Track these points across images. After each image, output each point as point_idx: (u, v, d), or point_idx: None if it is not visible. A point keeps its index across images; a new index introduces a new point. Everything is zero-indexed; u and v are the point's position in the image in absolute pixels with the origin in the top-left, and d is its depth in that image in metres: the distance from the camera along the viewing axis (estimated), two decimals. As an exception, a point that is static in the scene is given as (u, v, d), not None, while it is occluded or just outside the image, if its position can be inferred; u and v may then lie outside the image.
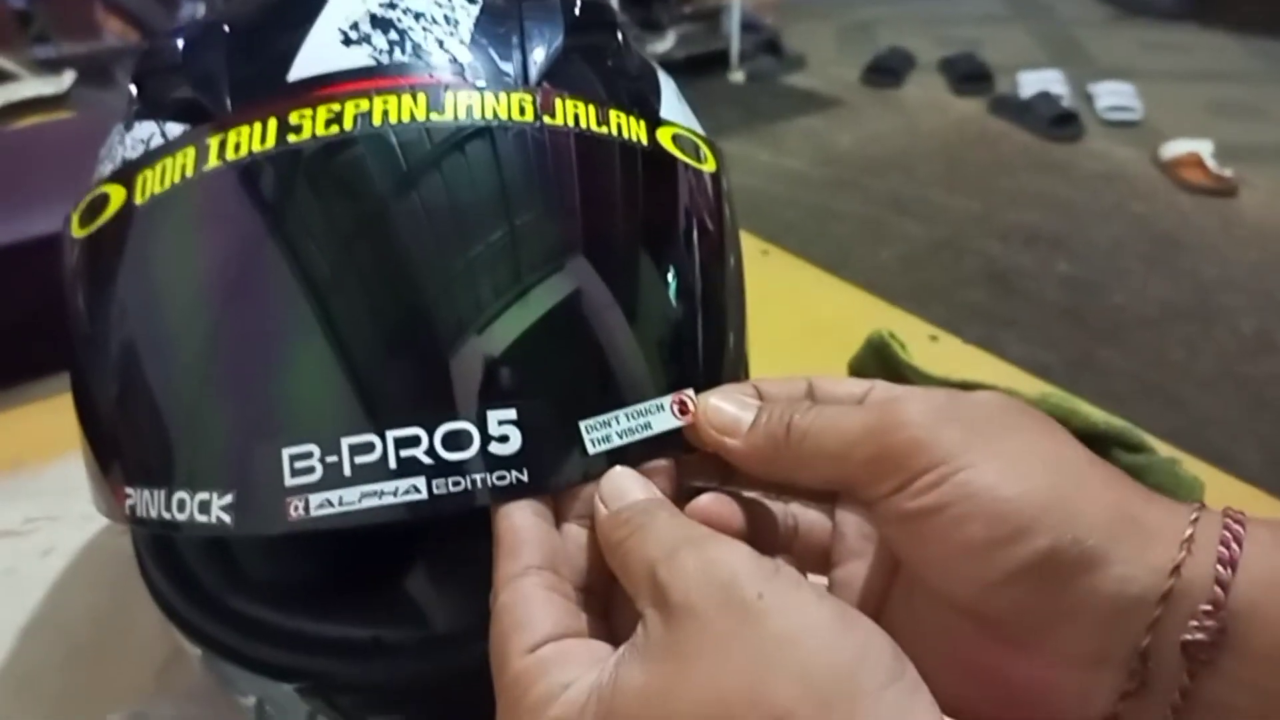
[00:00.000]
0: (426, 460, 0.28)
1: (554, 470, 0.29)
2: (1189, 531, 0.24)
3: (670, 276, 0.34)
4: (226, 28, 0.35)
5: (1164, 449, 0.55)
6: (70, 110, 1.49)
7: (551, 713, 0.24)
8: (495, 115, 0.32)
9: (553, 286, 0.31)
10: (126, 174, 0.33)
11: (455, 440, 0.28)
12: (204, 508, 0.29)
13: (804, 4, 3.89)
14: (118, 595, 0.54)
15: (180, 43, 0.35)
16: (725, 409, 0.30)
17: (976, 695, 0.27)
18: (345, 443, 0.28)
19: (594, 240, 0.32)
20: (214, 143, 0.31)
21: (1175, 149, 2.57)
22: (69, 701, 0.48)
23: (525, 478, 0.28)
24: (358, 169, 0.31)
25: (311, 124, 0.31)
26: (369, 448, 0.28)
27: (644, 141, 0.35)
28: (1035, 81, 3.02)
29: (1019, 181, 2.58)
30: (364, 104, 0.31)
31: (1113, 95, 2.94)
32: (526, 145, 0.32)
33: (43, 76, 1.56)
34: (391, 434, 0.28)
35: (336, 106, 0.31)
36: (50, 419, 0.69)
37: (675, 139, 0.36)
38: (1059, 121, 2.79)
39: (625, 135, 0.34)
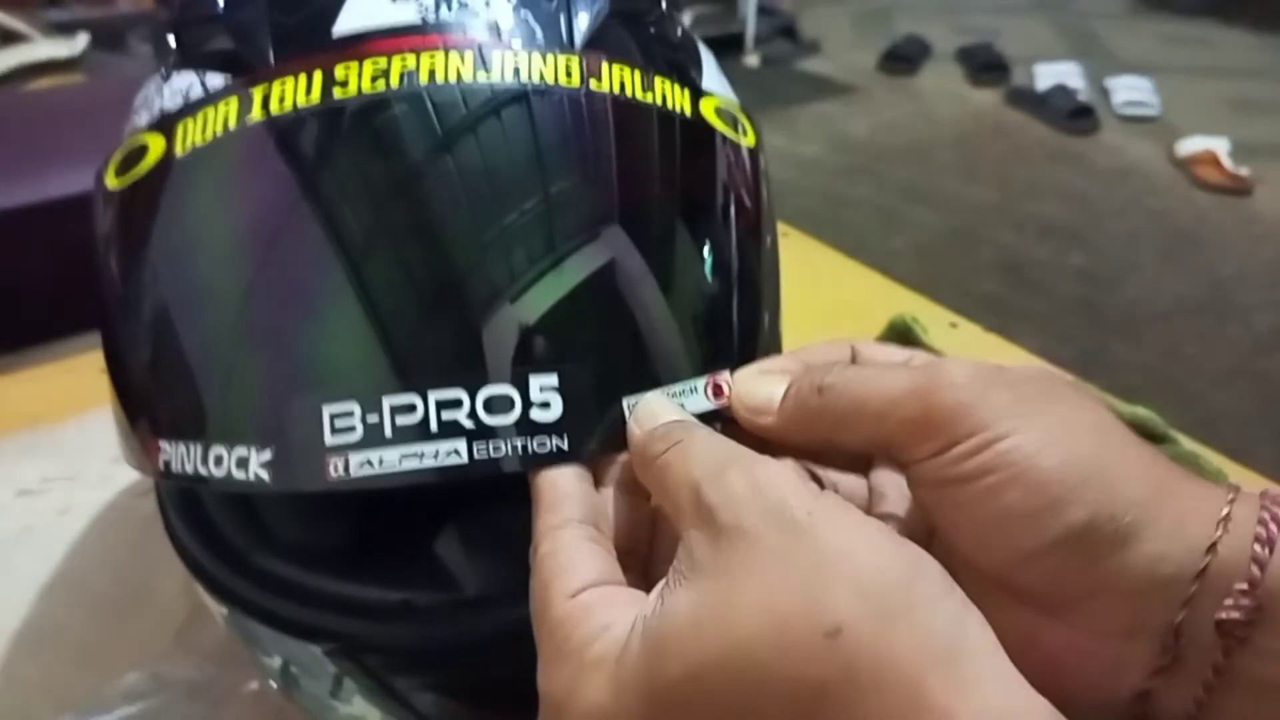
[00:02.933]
0: (468, 424, 0.28)
1: (593, 439, 0.29)
2: (1226, 510, 0.24)
3: (712, 252, 0.34)
4: None
5: (1185, 442, 0.54)
6: (83, 74, 1.48)
7: (594, 651, 0.24)
8: (541, 77, 0.31)
9: (600, 252, 0.30)
10: (166, 124, 0.33)
11: (497, 404, 0.28)
12: (241, 464, 0.29)
13: (822, -11, 3.87)
14: (136, 555, 0.54)
15: None
16: (757, 392, 0.29)
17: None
18: (387, 402, 0.28)
19: (637, 209, 0.32)
20: (257, 95, 0.31)
21: (1191, 146, 2.55)
22: (87, 659, 0.48)
23: (565, 445, 0.28)
24: (404, 126, 0.30)
25: (357, 79, 0.30)
26: (410, 409, 0.28)
27: (687, 112, 0.34)
28: (1052, 74, 2.99)
29: (1035, 173, 2.57)
30: (410, 60, 0.31)
31: (1130, 90, 2.92)
32: (578, 108, 0.32)
33: (56, 39, 1.55)
34: (434, 395, 0.28)
35: (383, 62, 0.31)
36: (67, 379, 0.69)
37: (718, 111, 0.36)
38: (1075, 115, 2.77)
39: (669, 104, 0.34)
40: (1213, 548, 0.24)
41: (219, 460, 0.29)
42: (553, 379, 0.28)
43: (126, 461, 0.34)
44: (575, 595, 0.25)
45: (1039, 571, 0.25)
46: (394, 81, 0.30)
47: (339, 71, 0.30)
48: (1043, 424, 0.25)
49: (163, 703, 0.44)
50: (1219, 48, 3.39)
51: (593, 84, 0.32)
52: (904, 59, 3.25)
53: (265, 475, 0.28)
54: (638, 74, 0.33)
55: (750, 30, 3.33)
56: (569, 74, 0.32)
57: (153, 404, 0.32)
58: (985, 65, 3.14)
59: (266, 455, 0.28)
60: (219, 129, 0.31)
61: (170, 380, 0.32)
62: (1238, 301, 2.00)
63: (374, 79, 0.30)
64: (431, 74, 0.30)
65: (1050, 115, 2.81)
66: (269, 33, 0.32)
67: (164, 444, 0.31)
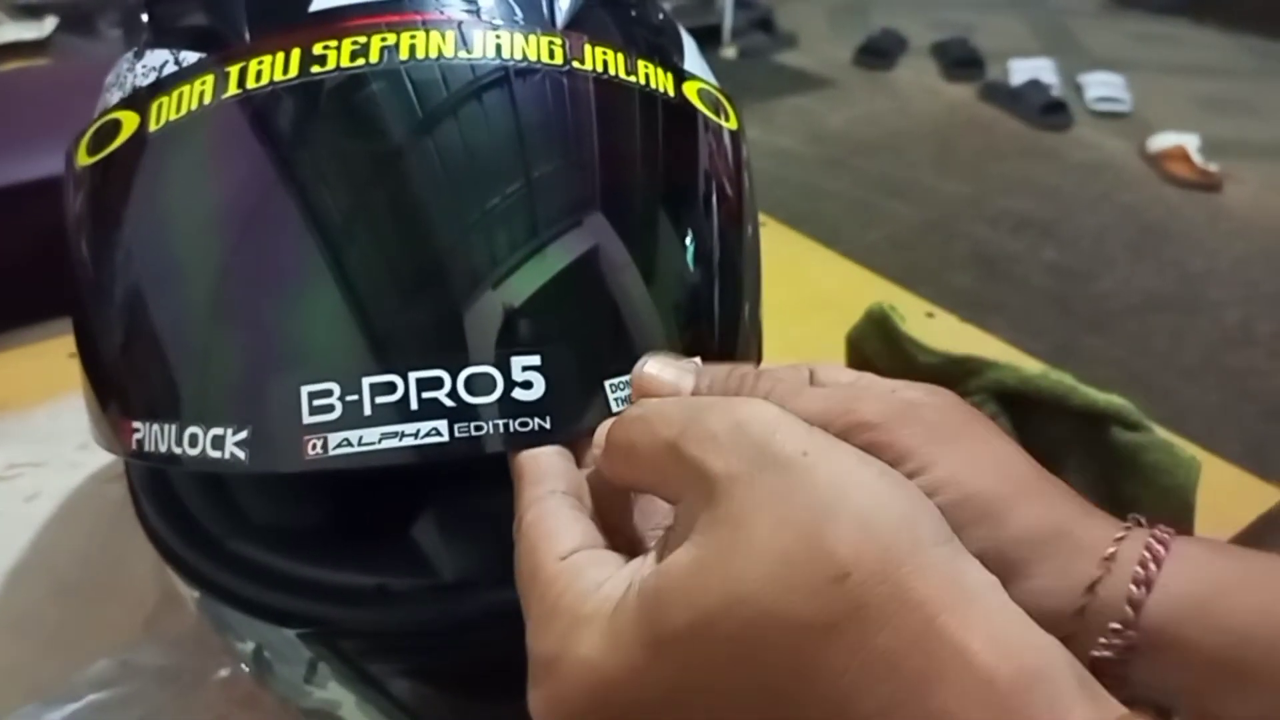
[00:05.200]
0: (449, 403, 0.27)
1: (576, 419, 0.29)
2: (1111, 550, 0.24)
3: (694, 237, 0.33)
4: None
5: (1160, 431, 0.55)
6: (50, 57, 1.46)
7: (588, 607, 0.23)
8: (524, 56, 0.31)
9: (584, 235, 0.30)
10: (139, 100, 0.32)
11: (479, 384, 0.28)
12: (217, 443, 0.28)
13: (799, -18, 3.87)
14: (105, 541, 0.53)
15: None
16: (663, 375, 0.28)
17: None
18: (366, 382, 0.27)
19: (621, 192, 0.32)
20: (234, 71, 0.30)
21: (1162, 142, 2.58)
22: (56, 646, 0.47)
23: (547, 424, 0.28)
24: (384, 104, 0.30)
25: (336, 56, 0.30)
26: (390, 388, 0.27)
27: (670, 93, 0.34)
28: (1026, 69, 3.01)
29: (1009, 167, 2.59)
30: (390, 38, 0.30)
31: (1102, 86, 2.95)
32: (560, 88, 0.31)
33: (23, 22, 1.52)
34: (414, 375, 0.27)
35: (362, 39, 0.30)
36: (34, 364, 0.68)
37: (700, 93, 0.35)
38: (1048, 110, 2.79)
39: (652, 85, 0.33)
40: (1092, 588, 0.24)
41: (194, 440, 0.29)
42: (535, 360, 0.28)
43: (97, 443, 0.34)
44: (565, 558, 0.25)
45: None
46: (373, 58, 0.30)
47: (317, 48, 0.30)
48: (949, 460, 0.25)
49: (132, 689, 0.43)
50: (1190, 46, 3.43)
51: (575, 64, 0.32)
52: (880, 53, 3.26)
53: (242, 454, 0.28)
54: (620, 56, 0.33)
55: (727, 22, 3.33)
56: (551, 54, 0.31)
57: (125, 385, 0.32)
58: (960, 60, 3.16)
59: (243, 434, 0.28)
60: (193, 104, 0.31)
61: (144, 360, 0.31)
62: (1207, 296, 2.03)
63: (353, 55, 0.30)
64: (412, 51, 0.30)
65: (1024, 110, 2.83)
66: (245, 10, 0.32)
67: (137, 425, 0.30)
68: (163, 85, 0.32)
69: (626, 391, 0.29)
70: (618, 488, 0.27)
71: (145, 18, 0.35)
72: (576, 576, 0.24)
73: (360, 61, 0.30)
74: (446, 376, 0.27)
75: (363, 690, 0.34)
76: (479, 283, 0.29)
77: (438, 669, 0.34)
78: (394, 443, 0.27)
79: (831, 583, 0.20)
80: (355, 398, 0.27)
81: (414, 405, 0.27)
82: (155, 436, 0.30)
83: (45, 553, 0.52)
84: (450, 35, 0.31)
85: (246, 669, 0.37)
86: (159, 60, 0.33)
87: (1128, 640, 0.23)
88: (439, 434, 0.27)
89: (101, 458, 0.58)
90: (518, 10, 0.33)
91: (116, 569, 0.51)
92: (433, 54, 0.30)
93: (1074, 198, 2.43)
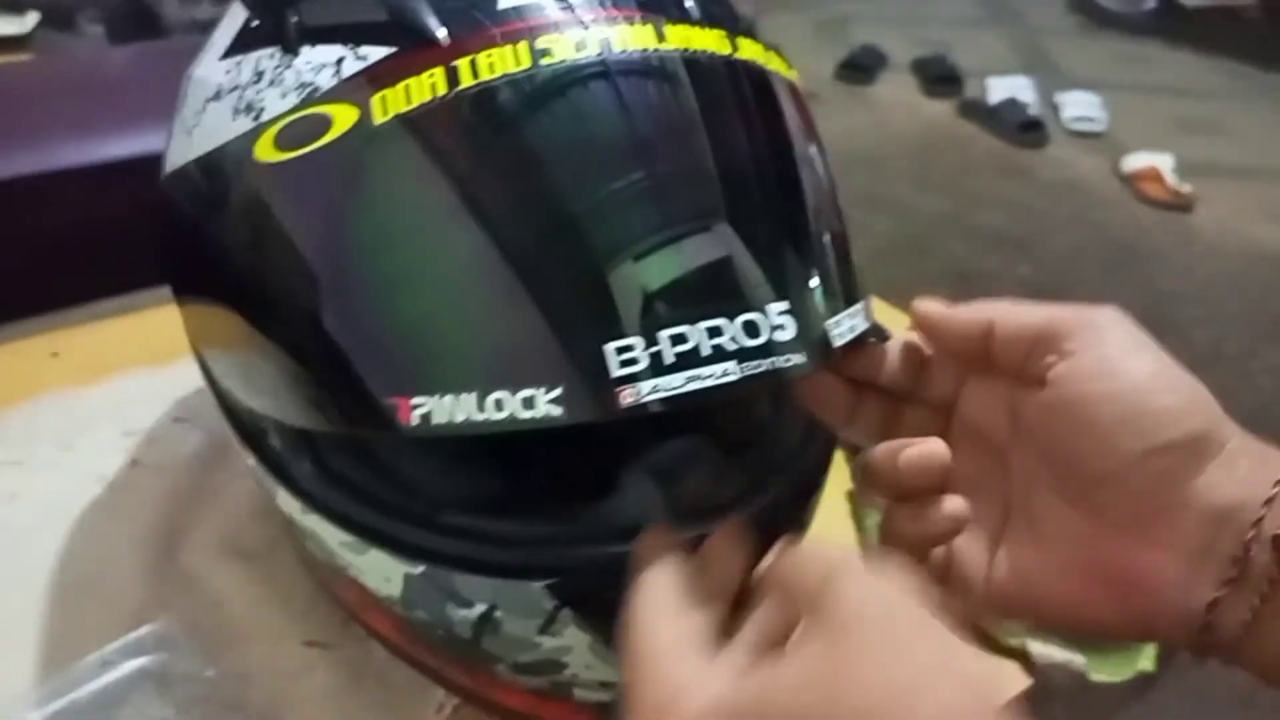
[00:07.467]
0: (731, 346, 0.32)
1: (818, 353, 0.34)
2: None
3: (833, 189, 0.40)
4: None
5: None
6: (31, 52, 1.45)
7: (692, 687, 0.27)
8: (705, 47, 0.35)
9: (811, 198, 0.37)
10: (348, 95, 0.33)
11: (751, 329, 0.32)
12: (528, 403, 0.31)
13: (782, -5, 3.90)
14: (86, 541, 0.53)
15: None
16: (933, 304, 0.38)
17: (1095, 594, 0.31)
18: (664, 335, 0.31)
19: (810, 159, 0.38)
20: (463, 64, 0.32)
21: (1136, 162, 2.62)
22: (37, 646, 0.47)
23: (803, 359, 0.33)
24: (626, 89, 0.34)
25: (560, 49, 0.33)
26: (683, 339, 0.31)
27: (785, 73, 0.40)
28: (1004, 87, 3.05)
29: (986, 184, 2.62)
30: (601, 31, 0.33)
31: (1078, 105, 2.99)
32: (737, 74, 0.37)
33: (5, 16, 1.51)
34: (703, 325, 0.31)
35: (579, 33, 0.33)
36: (15, 364, 0.68)
37: (767, 53, 0.40)
38: (1025, 128, 2.83)
39: (778, 69, 0.39)
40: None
41: (500, 404, 0.31)
42: (785, 304, 0.33)
43: (341, 427, 0.35)
44: (673, 631, 0.29)
45: (1133, 483, 0.30)
46: (594, 50, 0.33)
47: (540, 42, 0.33)
48: (1151, 353, 0.32)
49: (115, 689, 0.43)
50: (1165, 67, 3.48)
51: (739, 54, 0.37)
52: (861, 68, 3.29)
53: (558, 410, 0.31)
54: (760, 46, 0.39)
55: (710, 34, 3.34)
56: (723, 44, 0.36)
57: (401, 365, 0.34)
58: (939, 77, 3.19)
59: (557, 392, 0.31)
60: (426, 96, 0.32)
61: (429, 340, 0.34)
62: (1177, 316, 2.06)
63: (577, 48, 0.33)
64: (622, 43, 0.34)
65: (1001, 128, 2.86)
66: (428, 6, 0.34)
67: (419, 400, 0.32)
68: (379, 79, 0.33)
69: (838, 330, 0.35)
70: (735, 564, 0.32)
71: (291, 17, 0.36)
72: (683, 655, 0.28)
73: (584, 54, 0.33)
74: (726, 323, 0.32)
75: (602, 628, 0.36)
76: (744, 243, 0.33)
77: None
78: (698, 384, 0.31)
79: None
80: (657, 349, 0.31)
81: (705, 351, 0.31)
82: (449, 407, 0.32)
83: (29, 552, 0.52)
84: (649, 29, 0.34)
85: (461, 634, 0.38)
86: (331, 56, 0.35)
87: None
88: (729, 374, 0.31)
89: (83, 458, 0.58)
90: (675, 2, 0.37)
91: (98, 568, 0.51)
92: (637, 45, 0.34)
93: (1049, 215, 2.47)
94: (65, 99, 1.01)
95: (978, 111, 2.97)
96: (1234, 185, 2.62)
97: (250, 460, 0.42)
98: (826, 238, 0.37)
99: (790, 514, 0.41)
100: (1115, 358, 0.32)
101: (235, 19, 0.41)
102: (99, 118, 0.92)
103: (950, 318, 0.36)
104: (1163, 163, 2.57)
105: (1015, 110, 2.88)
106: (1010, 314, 0.35)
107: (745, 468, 0.41)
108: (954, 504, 0.34)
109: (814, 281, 0.35)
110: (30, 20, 1.48)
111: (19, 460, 0.58)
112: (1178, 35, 3.62)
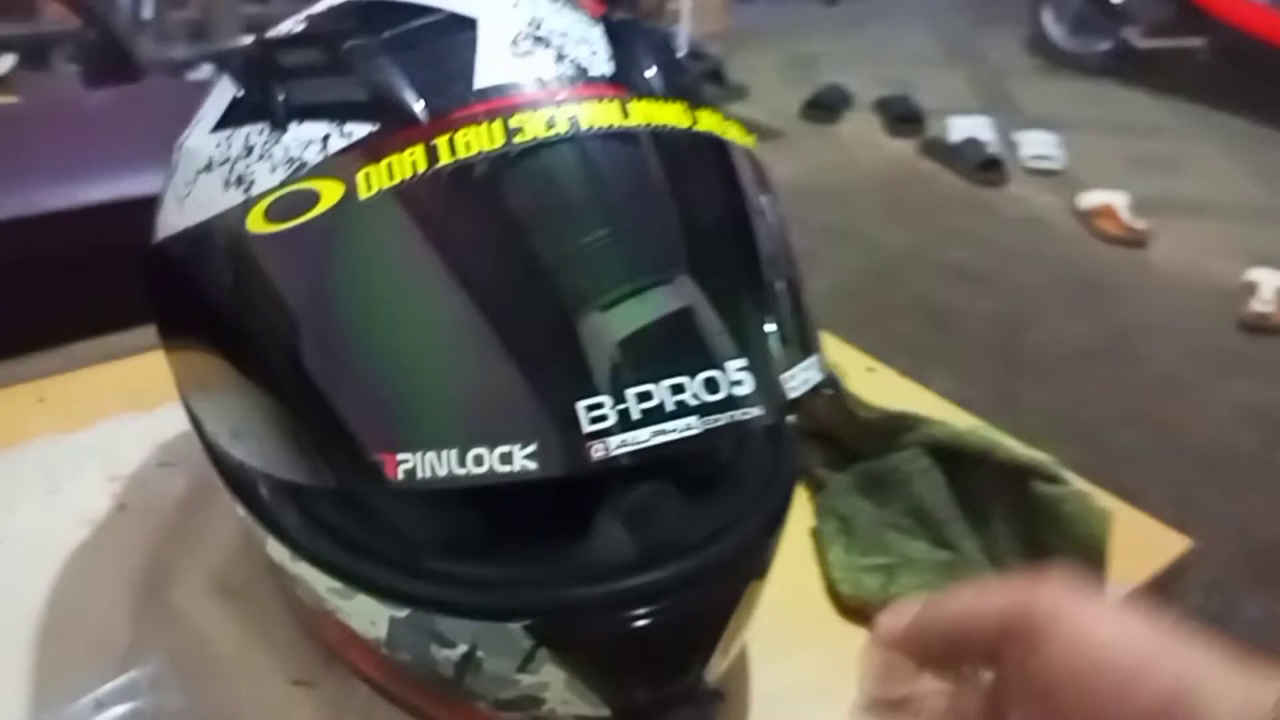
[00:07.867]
0: (693, 402, 0.34)
1: (776, 406, 0.36)
2: None
3: (787, 253, 0.43)
4: (365, 39, 0.38)
5: (1077, 482, 0.59)
6: (11, 94, 1.46)
7: None
8: (665, 122, 0.37)
9: (756, 260, 0.40)
10: (335, 171, 0.36)
11: (712, 385, 0.34)
12: (505, 459, 0.33)
13: (750, 35, 3.97)
14: (75, 583, 0.54)
15: (324, 51, 0.39)
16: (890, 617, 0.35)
17: None
18: (630, 393, 0.33)
19: (758, 224, 0.41)
20: (441, 143, 0.35)
21: (1092, 199, 2.69)
22: (28, 687, 0.48)
23: (761, 411, 0.35)
24: (595, 161, 0.37)
25: (532, 127, 0.35)
26: (648, 395, 0.34)
27: (742, 140, 0.42)
28: (964, 126, 3.12)
29: (949, 220, 2.68)
30: (570, 109, 0.36)
31: (1036, 144, 3.06)
32: (696, 145, 0.39)
33: (-18, 59, 1.52)
34: (666, 382, 0.34)
35: (550, 111, 0.35)
36: (1, 408, 0.69)
37: (724, 123, 0.41)
38: (985, 166, 2.90)
39: (735, 137, 0.41)
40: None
41: (479, 460, 0.34)
42: (743, 361, 0.35)
43: (327, 482, 0.38)
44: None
45: None
46: (562, 128, 0.35)
47: (514, 121, 0.35)
48: (1116, 612, 0.30)
49: (107, 729, 0.44)
50: (1120, 106, 3.58)
51: (698, 126, 0.39)
52: (826, 107, 3.36)
53: (532, 465, 0.33)
54: (718, 116, 0.40)
55: (679, 73, 3.39)
56: (681, 118, 0.38)
57: (386, 424, 0.36)
58: (902, 116, 3.27)
59: (531, 448, 0.33)
60: (408, 173, 0.35)
61: (414, 401, 0.36)
62: (1135, 348, 2.12)
63: (547, 125, 0.35)
64: (590, 119, 0.36)
65: (962, 166, 2.94)
66: (409, 85, 0.36)
67: (404, 456, 0.34)
68: (364, 155, 0.35)
69: (793, 383, 0.37)
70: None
71: (279, 94, 0.38)
72: None
73: (552, 131, 0.35)
74: (688, 380, 0.34)
75: (580, 666, 0.39)
76: (705, 296, 0.36)
77: (641, 633, 0.39)
78: (663, 438, 0.33)
79: None
80: (624, 406, 0.33)
81: (670, 407, 0.34)
82: (430, 463, 0.34)
83: (16, 594, 0.53)
84: (614, 106, 0.37)
85: (444, 674, 0.40)
86: (318, 132, 0.37)
87: None
88: (691, 428, 0.34)
89: (70, 501, 0.59)
90: (642, 78, 0.39)
91: (85, 611, 0.52)
92: (603, 122, 0.36)
93: (1010, 251, 2.53)
94: (45, 142, 1.03)
95: (939, 150, 3.05)
96: (1187, 221, 2.69)
97: (240, 510, 0.44)
98: (781, 285, 0.40)
99: (755, 553, 0.43)
100: (1077, 648, 0.30)
101: (225, 92, 0.43)
102: (80, 161, 0.94)
103: (910, 641, 0.34)
104: (1118, 200, 2.65)
105: (975, 149, 2.96)
106: (964, 620, 0.33)
107: (711, 509, 0.43)
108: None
109: (770, 328, 0.38)
110: (7, 62, 1.49)
111: (7, 503, 0.59)
112: (1132, 76, 3.73)
